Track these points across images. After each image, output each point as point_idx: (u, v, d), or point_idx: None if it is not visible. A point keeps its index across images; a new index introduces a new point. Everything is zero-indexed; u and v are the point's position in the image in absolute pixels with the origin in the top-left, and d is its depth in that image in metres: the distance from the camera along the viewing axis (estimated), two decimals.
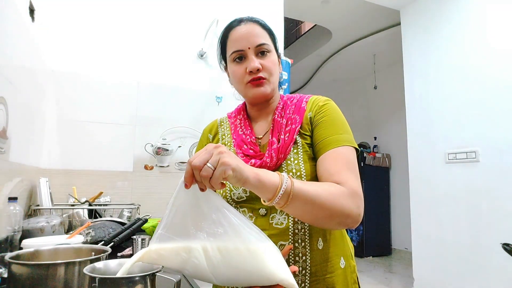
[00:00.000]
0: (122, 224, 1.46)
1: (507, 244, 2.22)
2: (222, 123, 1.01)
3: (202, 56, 2.34)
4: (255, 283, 0.60)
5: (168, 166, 2.18)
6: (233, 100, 2.62)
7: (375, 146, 5.56)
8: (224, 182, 0.60)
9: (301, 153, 0.82)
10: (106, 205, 1.86)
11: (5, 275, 0.65)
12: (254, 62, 0.84)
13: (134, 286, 0.57)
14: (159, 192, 2.14)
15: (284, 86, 2.25)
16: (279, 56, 0.94)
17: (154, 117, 2.20)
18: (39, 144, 1.84)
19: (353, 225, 0.72)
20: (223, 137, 0.97)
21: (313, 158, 0.83)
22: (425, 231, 3.02)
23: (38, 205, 1.57)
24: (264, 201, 0.67)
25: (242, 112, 0.98)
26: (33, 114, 1.71)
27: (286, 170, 0.81)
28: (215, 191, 0.62)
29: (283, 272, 0.59)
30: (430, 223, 2.97)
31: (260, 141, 0.91)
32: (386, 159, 5.31)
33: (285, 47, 2.80)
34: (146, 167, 2.14)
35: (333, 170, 0.75)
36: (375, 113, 5.75)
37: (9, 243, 1.07)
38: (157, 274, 0.60)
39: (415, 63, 3.23)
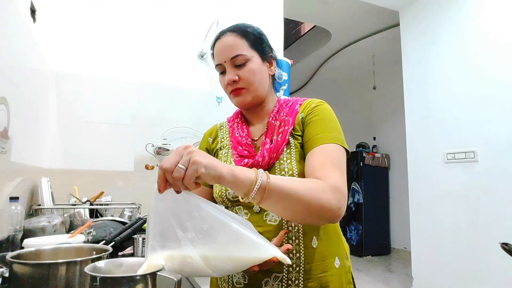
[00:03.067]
0: (123, 223, 1.46)
1: (506, 244, 2.22)
2: (222, 127, 1.04)
3: (202, 56, 2.34)
4: (252, 265, 0.63)
5: None
6: None
7: (374, 146, 5.56)
8: (200, 182, 0.61)
9: (294, 153, 0.84)
10: (107, 204, 1.87)
11: (7, 275, 0.66)
12: (229, 74, 0.89)
13: (135, 285, 0.57)
14: None
15: (284, 87, 2.25)
16: (271, 58, 0.95)
17: (155, 117, 2.20)
18: (41, 144, 1.84)
19: (335, 219, 0.72)
20: (222, 140, 1.00)
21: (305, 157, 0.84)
22: (424, 230, 3.02)
23: (39, 205, 1.58)
24: (242, 198, 0.66)
25: (239, 116, 1.01)
26: (34, 114, 1.71)
27: (278, 170, 0.82)
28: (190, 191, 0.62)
29: (271, 248, 0.63)
30: (429, 222, 2.97)
31: (256, 142, 0.93)
32: (385, 159, 5.32)
33: (285, 48, 2.80)
34: (147, 167, 2.14)
35: (317, 164, 0.76)
36: (374, 113, 5.75)
37: (11, 243, 1.08)
38: (158, 273, 0.61)
39: (414, 64, 3.23)
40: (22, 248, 0.94)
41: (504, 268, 2.35)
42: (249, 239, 0.61)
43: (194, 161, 0.58)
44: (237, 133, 0.95)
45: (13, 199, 1.13)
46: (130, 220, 1.64)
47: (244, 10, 2.49)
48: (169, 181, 0.58)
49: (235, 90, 0.90)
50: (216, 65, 0.93)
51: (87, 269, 0.60)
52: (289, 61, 2.32)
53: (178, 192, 0.60)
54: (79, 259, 0.68)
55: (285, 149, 0.85)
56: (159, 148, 2.12)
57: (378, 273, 4.18)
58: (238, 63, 0.88)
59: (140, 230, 1.45)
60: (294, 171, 0.81)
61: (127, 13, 2.20)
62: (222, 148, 0.98)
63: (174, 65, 2.29)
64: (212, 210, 0.61)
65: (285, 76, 2.27)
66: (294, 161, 0.82)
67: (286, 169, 0.82)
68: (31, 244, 0.94)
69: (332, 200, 0.70)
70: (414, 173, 3.17)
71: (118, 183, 2.05)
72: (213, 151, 1.01)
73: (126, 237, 1.33)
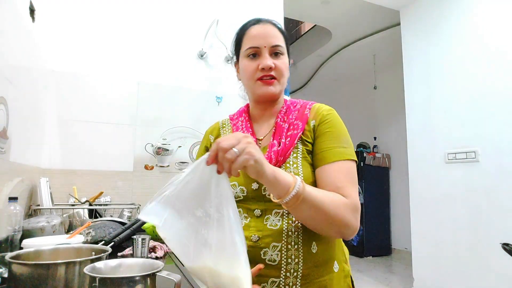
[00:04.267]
0: (123, 224, 1.46)
1: (507, 244, 2.22)
2: (224, 125, 1.02)
3: (202, 56, 2.34)
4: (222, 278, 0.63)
5: (168, 166, 2.19)
6: (233, 100, 2.62)
7: (375, 146, 5.56)
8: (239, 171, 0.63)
9: (300, 158, 0.84)
10: (106, 205, 1.86)
11: (6, 275, 0.66)
12: (267, 60, 0.86)
13: (134, 286, 0.57)
14: None
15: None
16: (290, 60, 0.95)
17: (154, 117, 2.20)
18: (40, 144, 1.84)
19: (350, 236, 0.77)
20: None
21: (311, 164, 0.85)
22: (425, 231, 3.02)
23: (38, 205, 1.57)
24: (274, 198, 0.72)
25: (244, 114, 0.99)
26: (33, 114, 1.71)
27: None
28: (229, 177, 0.64)
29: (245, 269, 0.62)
30: (430, 223, 2.97)
31: (260, 142, 0.92)
32: (386, 159, 5.31)
33: None
34: (146, 167, 2.14)
35: (339, 183, 0.78)
36: (375, 113, 5.75)
37: (10, 243, 1.07)
38: (157, 274, 0.60)
39: (415, 63, 3.23)
40: (21, 248, 0.93)
41: (505, 268, 2.34)
42: (237, 255, 0.61)
43: (249, 151, 0.61)
44: (241, 131, 0.94)
45: (12, 199, 1.13)
46: (129, 220, 1.64)
47: (244, 10, 2.48)
48: (219, 158, 0.61)
49: (267, 77, 0.87)
50: (249, 48, 0.88)
51: (86, 269, 0.59)
52: (290, 61, 2.32)
53: (219, 172, 0.62)
54: (78, 259, 0.67)
55: (291, 152, 0.84)
56: (159, 148, 2.12)
57: (378, 274, 4.17)
58: (277, 52, 0.88)
59: (140, 230, 1.45)
60: (300, 176, 0.81)
61: (127, 13, 2.20)
62: None
63: (174, 64, 2.29)
64: (230, 210, 0.62)
65: None
66: (300, 166, 0.83)
67: (292, 173, 0.80)
68: (30, 244, 0.94)
69: (353, 219, 0.75)
70: (415, 173, 3.17)
71: (117, 183, 2.05)
72: None
73: (126, 238, 1.33)
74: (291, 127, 0.87)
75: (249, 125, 0.95)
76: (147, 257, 1.17)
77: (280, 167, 0.83)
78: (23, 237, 1.16)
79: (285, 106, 0.93)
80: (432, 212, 2.95)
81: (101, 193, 1.90)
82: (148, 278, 0.59)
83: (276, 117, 0.92)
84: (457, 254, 2.69)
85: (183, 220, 0.63)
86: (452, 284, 2.72)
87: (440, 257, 2.85)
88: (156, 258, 1.23)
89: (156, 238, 1.65)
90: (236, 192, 0.86)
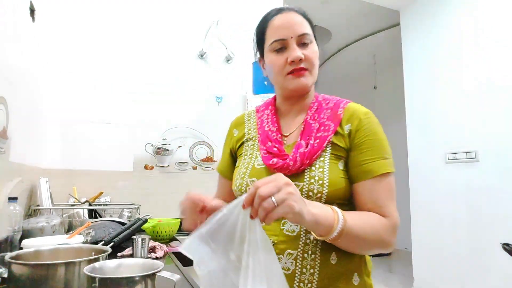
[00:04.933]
0: (122, 224, 1.46)
1: (507, 244, 2.22)
2: (250, 118, 0.97)
3: (202, 56, 2.34)
4: None
5: (168, 166, 2.18)
6: (233, 100, 2.63)
7: None
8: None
9: (327, 162, 0.78)
10: (106, 205, 1.86)
11: (5, 275, 0.66)
12: (296, 51, 0.80)
13: (134, 286, 0.57)
14: (159, 192, 2.14)
15: None
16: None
17: (154, 117, 2.20)
18: (39, 144, 1.84)
19: (387, 252, 0.77)
20: (249, 132, 0.93)
21: (344, 170, 0.78)
22: (425, 231, 3.02)
23: (38, 205, 1.57)
24: (317, 235, 0.69)
25: (270, 107, 0.92)
26: (33, 114, 1.71)
27: (308, 177, 0.76)
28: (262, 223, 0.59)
29: None
30: (430, 223, 2.96)
31: (286, 139, 0.86)
32: None
33: None
34: (146, 167, 2.14)
35: (380, 202, 0.77)
36: (375, 113, 5.68)
37: (9, 243, 1.07)
38: (157, 274, 0.60)
39: (415, 63, 3.23)
40: (21, 248, 0.94)
41: (505, 268, 2.34)
42: None
43: (289, 204, 0.56)
44: (267, 126, 0.88)
45: (12, 199, 1.13)
46: (129, 220, 1.64)
47: (244, 10, 2.48)
48: (255, 204, 0.56)
49: (298, 69, 0.81)
50: (275, 41, 0.81)
51: (86, 269, 0.59)
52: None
53: (252, 217, 0.58)
54: (78, 259, 0.67)
55: (319, 156, 0.78)
56: (158, 148, 2.12)
57: (378, 274, 4.17)
58: (305, 41, 0.82)
59: (139, 230, 1.45)
60: (325, 181, 0.75)
61: (127, 13, 2.20)
62: (248, 140, 0.92)
63: (174, 64, 2.29)
64: (264, 258, 0.58)
65: None
66: (327, 171, 0.76)
67: (316, 178, 0.76)
68: (30, 244, 0.94)
69: (393, 239, 0.75)
70: (414, 173, 3.17)
71: (117, 183, 2.05)
72: (238, 143, 0.94)
73: (125, 238, 1.33)
74: (322, 128, 0.81)
75: (275, 119, 0.88)
76: (147, 257, 1.17)
77: (304, 170, 0.77)
78: (23, 237, 1.16)
79: (317, 102, 0.87)
80: (432, 212, 2.94)
81: (101, 193, 1.90)
82: (148, 278, 0.58)
83: (306, 114, 0.85)
84: (457, 254, 2.69)
85: (216, 261, 0.61)
86: (452, 284, 2.72)
87: (440, 257, 2.85)
88: (156, 258, 1.23)
89: (156, 238, 1.65)
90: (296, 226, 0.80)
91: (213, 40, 2.34)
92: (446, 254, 2.79)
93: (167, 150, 2.13)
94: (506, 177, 2.41)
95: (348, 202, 0.80)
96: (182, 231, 1.99)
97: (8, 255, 0.68)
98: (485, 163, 2.55)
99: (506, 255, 2.23)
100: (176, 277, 0.60)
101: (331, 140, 0.79)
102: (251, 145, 0.90)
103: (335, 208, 0.69)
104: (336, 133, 0.80)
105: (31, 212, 1.56)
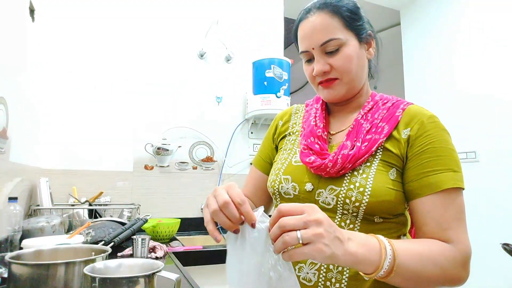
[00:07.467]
0: (122, 224, 1.46)
1: (507, 244, 2.21)
2: (298, 111, 0.90)
3: (202, 56, 2.33)
4: None
5: (168, 166, 2.18)
6: (233, 100, 2.63)
7: None
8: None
9: (374, 169, 0.67)
10: (106, 205, 1.86)
11: (5, 275, 0.66)
12: (319, 64, 0.73)
13: (134, 286, 0.57)
14: (159, 192, 2.14)
15: (284, 87, 2.25)
16: (370, 38, 0.78)
17: (154, 117, 2.20)
18: (39, 144, 1.84)
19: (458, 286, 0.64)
20: (294, 125, 0.87)
21: (393, 181, 0.67)
22: None
23: (38, 205, 1.57)
24: (363, 274, 0.58)
25: (321, 101, 0.85)
26: (33, 114, 1.71)
27: (347, 183, 0.67)
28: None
29: None
30: None
31: (332, 138, 0.78)
32: None
33: (285, 47, 2.81)
34: (146, 167, 2.14)
35: (445, 224, 0.64)
36: None
37: (9, 243, 1.07)
38: (157, 274, 0.60)
39: (415, 63, 3.23)
40: (21, 248, 0.93)
41: (505, 268, 2.34)
42: None
43: (318, 249, 0.47)
44: (313, 121, 0.80)
45: (12, 199, 1.13)
46: (129, 220, 1.64)
47: (244, 10, 2.48)
48: (272, 233, 0.48)
49: (325, 81, 0.75)
50: (301, 53, 0.76)
51: (86, 269, 0.59)
52: (290, 61, 2.32)
53: (275, 252, 0.49)
54: (78, 259, 0.67)
55: (365, 161, 0.68)
56: (158, 148, 2.12)
57: None
58: (330, 49, 0.72)
59: (139, 230, 1.45)
60: (367, 190, 0.65)
61: (127, 13, 2.20)
62: (291, 134, 0.85)
63: (174, 64, 2.29)
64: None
65: (285, 76, 2.26)
66: (371, 178, 0.66)
67: (357, 185, 0.66)
68: (30, 244, 0.94)
69: (464, 274, 0.65)
70: None
71: (117, 183, 2.05)
72: (280, 136, 0.88)
73: (125, 238, 1.33)
74: (373, 130, 0.71)
75: (323, 115, 0.81)
76: (147, 257, 1.17)
77: (343, 175, 0.68)
78: (23, 237, 1.16)
79: (372, 101, 0.78)
80: None
81: (101, 193, 1.90)
82: (148, 278, 0.58)
83: (358, 112, 0.77)
84: None
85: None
86: None
87: None
88: (156, 258, 1.23)
89: (156, 238, 1.65)
90: (287, 189, 0.74)
91: (213, 40, 2.34)
92: None
93: (167, 150, 2.13)
94: (506, 178, 2.41)
95: (394, 217, 0.70)
96: (182, 231, 1.99)
97: (8, 255, 0.68)
98: (485, 163, 2.55)
99: (506, 255, 2.23)
100: (176, 276, 0.60)
101: (383, 144, 0.69)
102: (292, 139, 0.83)
103: (382, 238, 0.57)
104: (390, 137, 0.69)
105: (31, 212, 1.56)
